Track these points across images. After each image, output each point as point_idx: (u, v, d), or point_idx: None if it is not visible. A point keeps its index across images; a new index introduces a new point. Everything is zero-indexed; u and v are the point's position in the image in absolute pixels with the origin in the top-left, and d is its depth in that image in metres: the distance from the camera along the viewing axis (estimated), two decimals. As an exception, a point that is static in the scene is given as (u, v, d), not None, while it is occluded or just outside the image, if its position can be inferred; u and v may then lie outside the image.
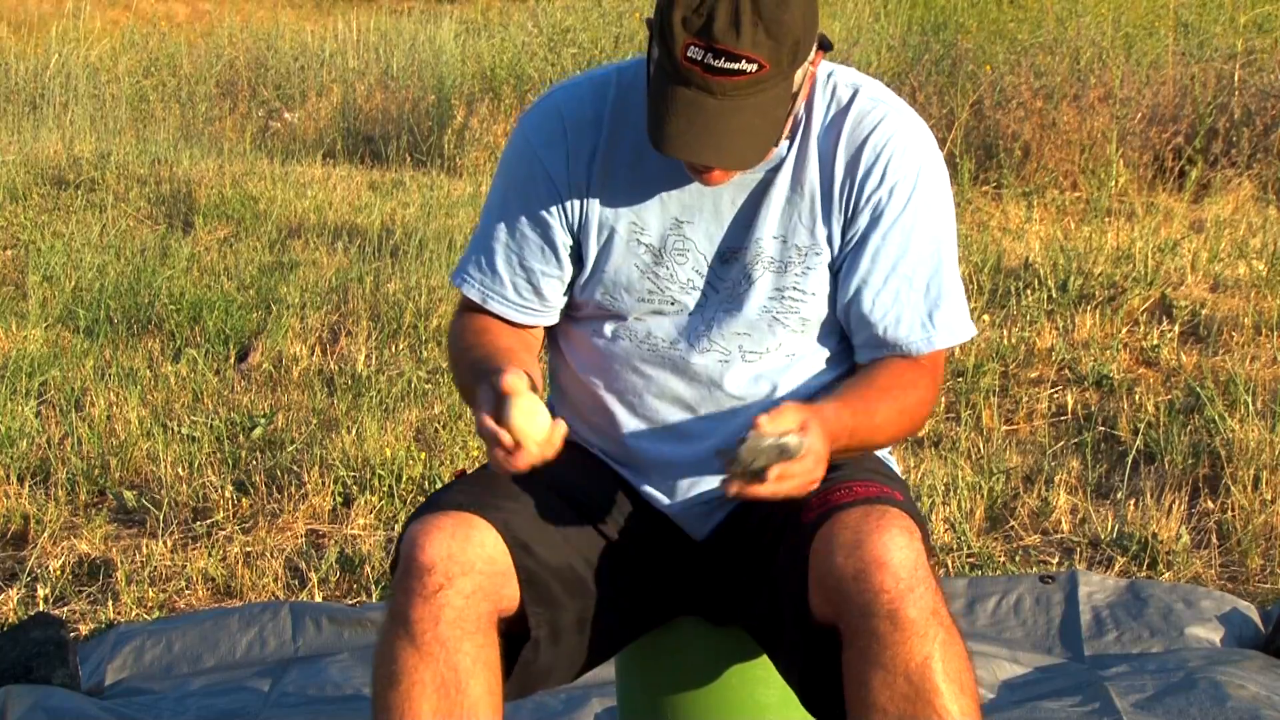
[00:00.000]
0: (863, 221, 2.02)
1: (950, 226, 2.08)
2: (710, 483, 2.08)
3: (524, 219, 2.09)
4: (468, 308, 2.18)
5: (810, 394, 2.08)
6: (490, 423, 1.83)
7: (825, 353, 2.10)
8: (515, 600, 1.95)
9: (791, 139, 2.03)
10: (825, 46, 1.98)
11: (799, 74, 1.90)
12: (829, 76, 2.06)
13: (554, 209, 2.07)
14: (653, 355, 2.09)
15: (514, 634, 1.97)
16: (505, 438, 1.82)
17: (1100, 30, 8.50)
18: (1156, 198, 7.20)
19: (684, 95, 1.84)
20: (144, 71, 10.73)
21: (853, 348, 2.11)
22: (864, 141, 2.02)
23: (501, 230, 2.11)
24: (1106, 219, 6.83)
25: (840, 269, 2.05)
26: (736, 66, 1.82)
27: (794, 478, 1.81)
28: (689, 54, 1.82)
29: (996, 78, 8.04)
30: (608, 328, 2.11)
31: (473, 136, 8.84)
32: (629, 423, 2.11)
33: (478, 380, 1.93)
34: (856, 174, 2.02)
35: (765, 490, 1.80)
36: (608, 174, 2.05)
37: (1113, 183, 7.23)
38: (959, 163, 7.44)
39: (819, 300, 2.06)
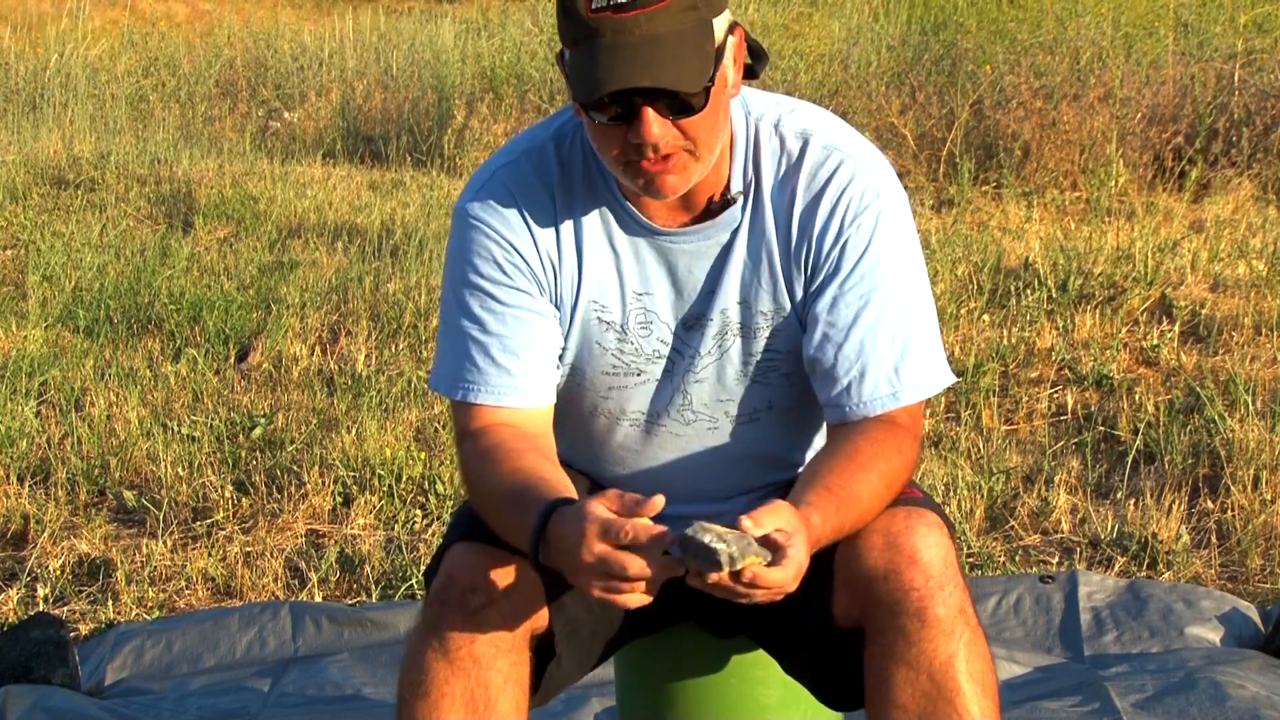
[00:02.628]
0: (821, 277, 1.96)
1: (918, 273, 1.99)
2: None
3: (508, 301, 1.97)
4: (471, 428, 1.99)
5: (808, 441, 2.05)
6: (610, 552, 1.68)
7: (815, 402, 2.03)
8: (545, 618, 1.95)
9: (745, 201, 1.97)
10: (755, 53, 1.94)
11: (718, 24, 1.84)
12: (775, 127, 1.99)
13: (532, 280, 1.98)
14: (635, 430, 2.06)
15: (536, 646, 1.97)
16: (634, 566, 1.67)
17: (1100, 30, 8.50)
18: (1156, 198, 7.20)
19: (601, 44, 1.78)
20: (143, 71, 10.73)
21: None
22: (818, 197, 1.96)
23: (488, 321, 1.98)
24: (1106, 219, 6.83)
25: (804, 325, 1.99)
26: None
27: (738, 595, 1.69)
28: (594, 6, 1.78)
29: (996, 78, 8.04)
30: (582, 407, 2.06)
31: (473, 136, 8.84)
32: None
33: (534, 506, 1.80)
34: (812, 232, 1.96)
35: (712, 592, 1.70)
36: (563, 253, 1.99)
37: (1113, 183, 7.23)
38: (959, 163, 7.45)
39: (796, 356, 2.01)
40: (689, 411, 2.04)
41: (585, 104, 1.83)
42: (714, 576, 1.66)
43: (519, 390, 1.98)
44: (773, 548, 1.69)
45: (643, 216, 1.97)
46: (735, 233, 1.98)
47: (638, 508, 1.70)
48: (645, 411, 2.04)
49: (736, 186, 1.97)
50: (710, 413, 2.04)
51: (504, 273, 1.98)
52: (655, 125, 1.82)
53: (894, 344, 1.96)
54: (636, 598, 1.70)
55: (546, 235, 1.98)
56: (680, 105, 1.82)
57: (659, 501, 1.70)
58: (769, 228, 1.97)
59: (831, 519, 1.82)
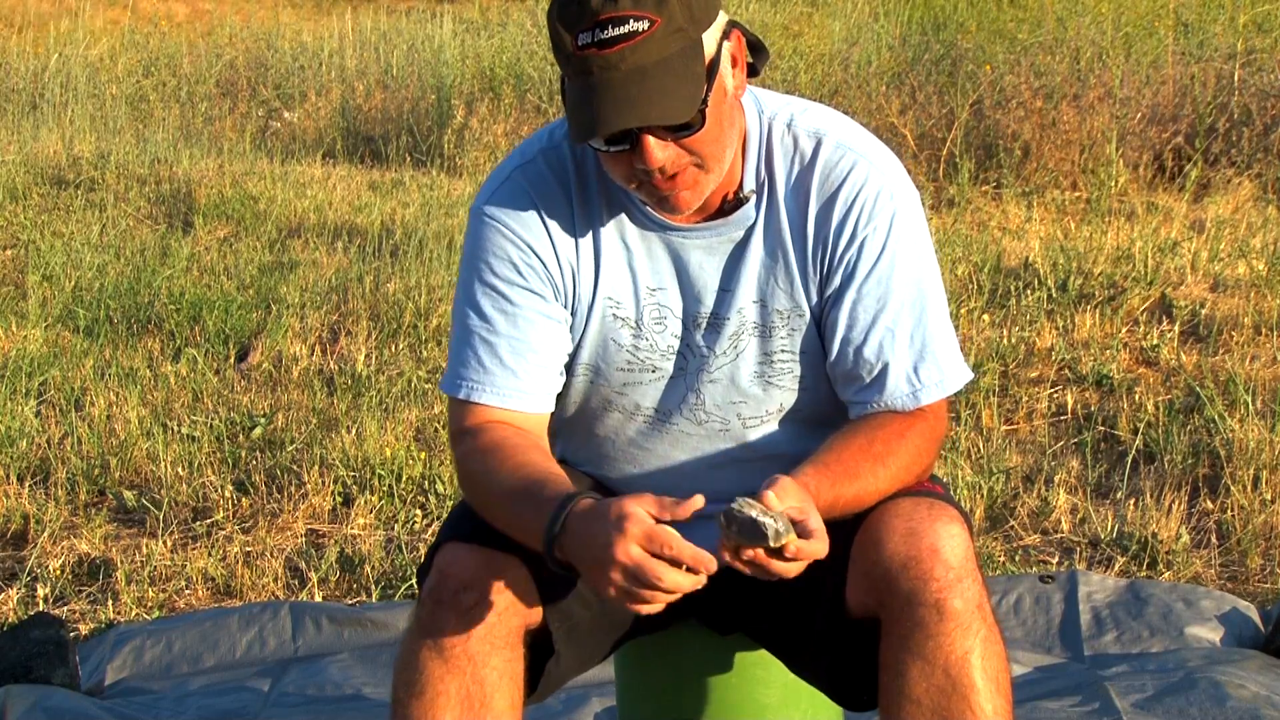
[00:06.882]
0: (838, 279, 1.97)
1: (932, 272, 2.01)
2: None
3: (521, 302, 1.97)
4: (468, 424, 1.98)
5: (818, 446, 2.01)
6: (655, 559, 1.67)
7: (827, 405, 2.04)
8: (539, 614, 1.95)
9: (758, 200, 1.98)
10: (755, 49, 1.93)
11: (709, 38, 1.83)
12: (789, 126, 1.99)
13: (547, 283, 1.98)
14: (646, 427, 2.05)
15: (532, 642, 1.97)
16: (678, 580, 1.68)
17: (1100, 30, 8.51)
18: (1156, 198, 7.20)
19: (591, 83, 1.79)
20: (144, 71, 10.73)
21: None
22: (833, 197, 1.96)
23: (498, 321, 1.97)
24: (1106, 219, 6.83)
25: (822, 327, 2.00)
26: (626, 29, 1.77)
27: (774, 571, 1.73)
28: (580, 43, 1.78)
29: (996, 78, 8.04)
30: (594, 403, 2.06)
31: (473, 136, 8.84)
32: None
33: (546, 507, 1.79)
34: (828, 232, 1.96)
35: (743, 569, 1.73)
36: (581, 253, 1.99)
37: (1113, 182, 7.23)
38: (959, 162, 7.44)
39: (810, 357, 2.01)
40: (701, 411, 2.03)
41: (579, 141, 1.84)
42: (754, 552, 1.69)
43: (523, 393, 1.98)
44: (793, 523, 1.73)
45: (655, 212, 1.97)
46: (750, 231, 1.98)
47: (678, 509, 1.70)
48: (657, 408, 2.04)
49: (749, 185, 1.97)
50: (722, 414, 2.03)
51: (519, 273, 1.97)
52: (658, 151, 1.83)
53: (913, 344, 1.98)
54: (654, 606, 1.71)
55: (564, 236, 1.98)
56: (680, 126, 1.83)
57: (698, 500, 1.71)
58: (784, 227, 1.98)
59: (826, 492, 1.85)
